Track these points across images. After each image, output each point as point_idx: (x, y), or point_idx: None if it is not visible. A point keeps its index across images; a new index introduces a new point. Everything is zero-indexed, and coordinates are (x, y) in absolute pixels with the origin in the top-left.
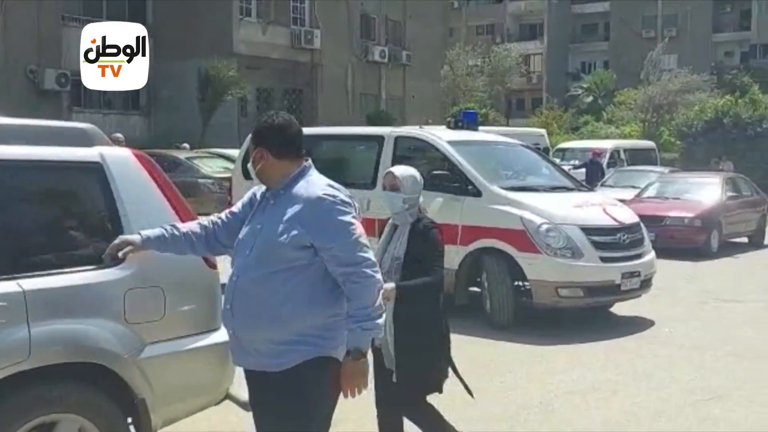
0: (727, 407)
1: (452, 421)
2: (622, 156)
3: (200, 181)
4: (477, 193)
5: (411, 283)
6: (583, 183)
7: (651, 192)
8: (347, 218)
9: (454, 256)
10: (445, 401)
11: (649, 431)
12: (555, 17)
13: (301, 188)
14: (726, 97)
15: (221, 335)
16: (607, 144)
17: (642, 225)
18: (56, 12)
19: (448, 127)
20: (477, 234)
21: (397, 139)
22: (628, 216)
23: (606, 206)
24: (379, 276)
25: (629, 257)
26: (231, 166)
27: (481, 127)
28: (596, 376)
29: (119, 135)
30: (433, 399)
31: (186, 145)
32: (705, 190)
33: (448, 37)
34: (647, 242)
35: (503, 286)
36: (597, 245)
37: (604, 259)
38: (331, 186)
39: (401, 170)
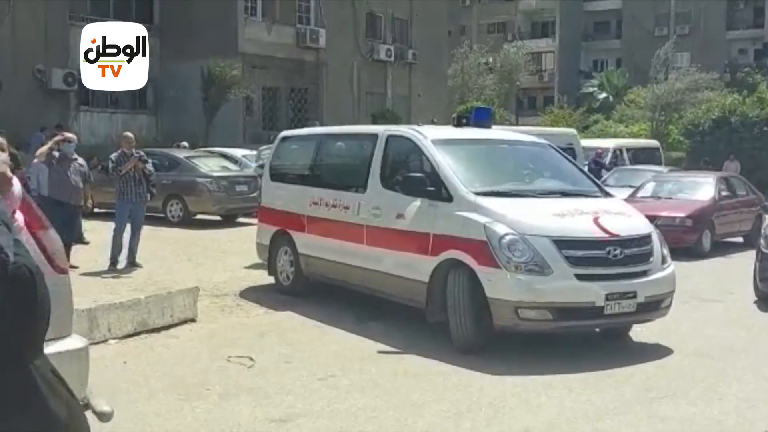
0: (677, 405)
1: (394, 418)
2: (625, 155)
3: (198, 180)
4: (449, 198)
5: None
6: (602, 187)
7: (645, 191)
8: None
9: (424, 267)
10: (389, 396)
11: (593, 428)
12: (567, 15)
13: None
14: (733, 95)
15: (74, 342)
16: (609, 143)
17: (654, 238)
18: (63, 12)
19: (453, 124)
20: (445, 244)
21: (389, 139)
22: (630, 227)
23: (601, 215)
24: None
25: (620, 275)
26: (231, 165)
27: (510, 127)
28: (555, 373)
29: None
30: (378, 388)
31: (185, 143)
32: (698, 190)
33: (460, 35)
34: (658, 258)
35: (462, 305)
36: (572, 260)
37: (581, 277)
38: None
39: None
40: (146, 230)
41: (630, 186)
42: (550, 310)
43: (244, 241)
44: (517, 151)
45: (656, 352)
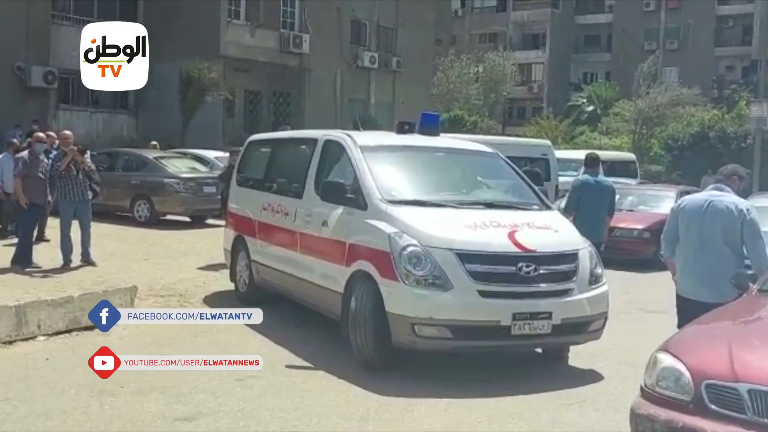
0: (583, 412)
1: (299, 419)
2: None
3: (165, 180)
4: (365, 206)
5: None
6: (544, 199)
7: None
8: None
9: (340, 277)
10: (301, 398)
11: (492, 430)
12: (558, 27)
13: None
14: (713, 111)
15: None
16: (582, 155)
17: (582, 256)
18: (46, 10)
19: (397, 131)
20: (357, 254)
21: (326, 144)
22: (552, 243)
23: (521, 229)
24: None
25: (532, 294)
26: (200, 166)
27: (471, 136)
28: (474, 378)
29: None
30: (293, 390)
31: (155, 143)
32: (659, 203)
33: (451, 44)
34: (585, 277)
35: (364, 319)
36: (476, 276)
37: (485, 294)
38: None
39: None
40: (111, 229)
41: None
42: (450, 327)
43: (208, 242)
44: (454, 160)
45: (581, 361)
